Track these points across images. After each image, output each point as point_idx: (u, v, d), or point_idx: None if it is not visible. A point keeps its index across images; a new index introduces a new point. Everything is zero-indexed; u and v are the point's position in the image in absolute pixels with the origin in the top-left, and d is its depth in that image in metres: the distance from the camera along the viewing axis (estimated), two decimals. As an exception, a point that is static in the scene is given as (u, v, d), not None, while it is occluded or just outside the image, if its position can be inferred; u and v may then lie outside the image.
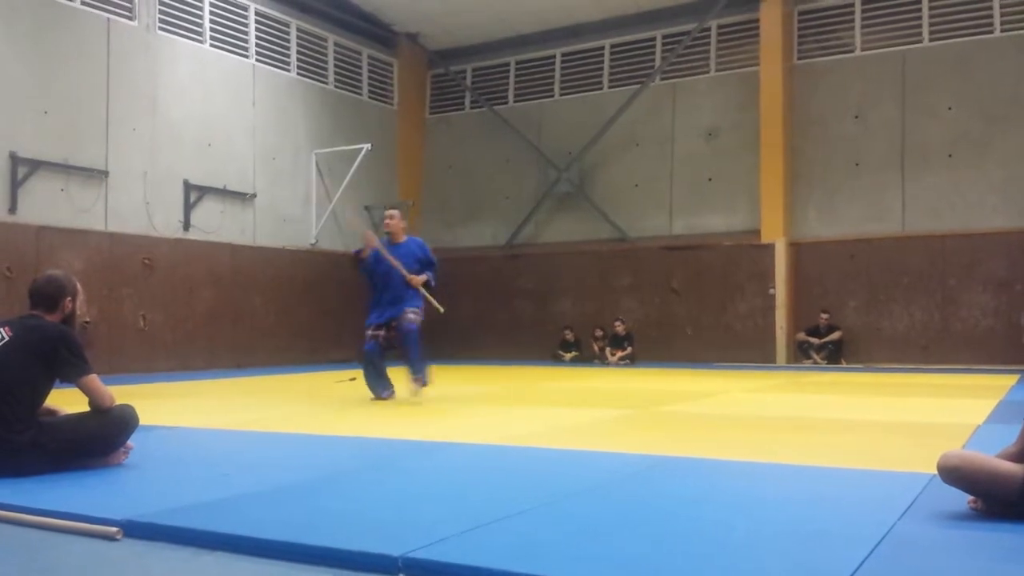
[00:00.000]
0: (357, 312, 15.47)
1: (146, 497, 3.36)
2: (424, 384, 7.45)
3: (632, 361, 14.24)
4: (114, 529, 2.85)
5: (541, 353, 15.36)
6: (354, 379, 10.29)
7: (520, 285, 16.11)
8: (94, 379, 3.95)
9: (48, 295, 4.00)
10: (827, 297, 13.79)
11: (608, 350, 14.54)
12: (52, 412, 4.08)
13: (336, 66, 15.72)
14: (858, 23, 14.10)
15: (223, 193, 13.36)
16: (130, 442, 4.15)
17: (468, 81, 17.22)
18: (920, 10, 13.67)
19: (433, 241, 17.11)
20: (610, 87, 15.90)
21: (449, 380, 10.16)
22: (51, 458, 3.83)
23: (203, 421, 6.10)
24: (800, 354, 13.73)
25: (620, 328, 14.57)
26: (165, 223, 12.53)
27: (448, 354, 15.96)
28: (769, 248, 14.05)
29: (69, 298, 4.03)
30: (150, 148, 12.36)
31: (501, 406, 7.33)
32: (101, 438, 4.00)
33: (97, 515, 2.97)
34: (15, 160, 10.76)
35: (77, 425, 3.98)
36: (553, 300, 15.88)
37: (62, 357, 3.87)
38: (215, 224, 13.21)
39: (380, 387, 7.50)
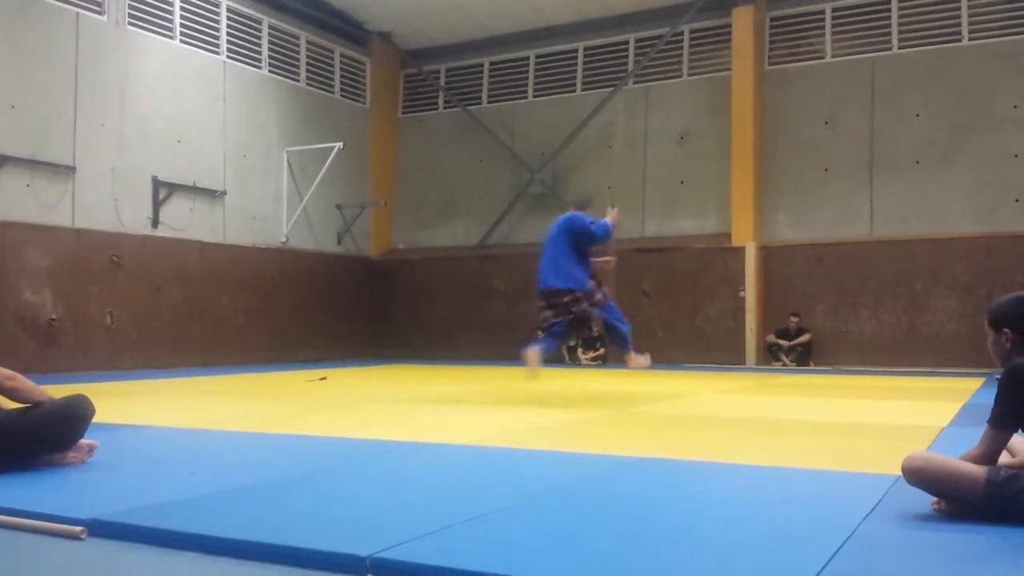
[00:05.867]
0: (327, 311, 15.52)
1: (111, 496, 3.32)
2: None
3: (604, 362, 14.28)
4: (78, 528, 2.81)
5: (513, 354, 15.30)
6: (324, 378, 10.25)
7: (493, 285, 16.09)
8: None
9: None
10: (796, 300, 13.92)
11: (580, 351, 14.58)
12: None
13: (308, 64, 15.63)
14: (828, 30, 14.25)
15: (193, 190, 13.24)
16: (95, 440, 4.08)
17: (442, 81, 17.19)
18: (889, 18, 13.85)
19: (406, 241, 17.25)
20: (583, 89, 15.95)
21: (421, 380, 10.14)
22: (4, 455, 3.72)
23: (170, 420, 6.03)
24: (769, 356, 13.85)
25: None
26: (133, 220, 12.39)
27: (420, 354, 15.96)
28: (739, 251, 14.15)
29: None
30: (118, 144, 12.22)
31: (472, 406, 7.33)
32: (48, 430, 3.82)
33: (61, 514, 2.93)
34: (-20, 154, 10.61)
35: (20, 419, 3.82)
36: (526, 300, 15.74)
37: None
38: (184, 221, 13.09)
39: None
